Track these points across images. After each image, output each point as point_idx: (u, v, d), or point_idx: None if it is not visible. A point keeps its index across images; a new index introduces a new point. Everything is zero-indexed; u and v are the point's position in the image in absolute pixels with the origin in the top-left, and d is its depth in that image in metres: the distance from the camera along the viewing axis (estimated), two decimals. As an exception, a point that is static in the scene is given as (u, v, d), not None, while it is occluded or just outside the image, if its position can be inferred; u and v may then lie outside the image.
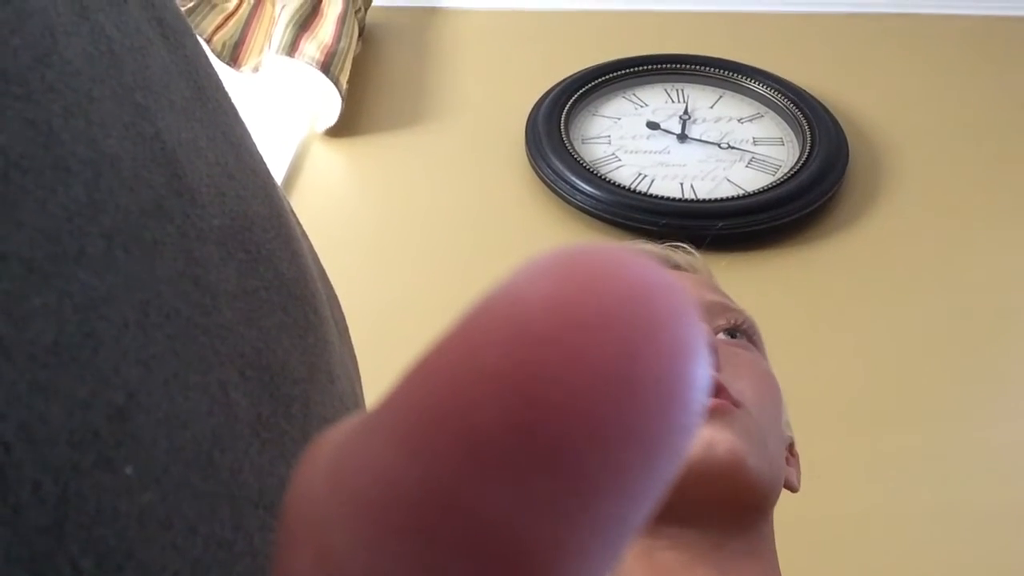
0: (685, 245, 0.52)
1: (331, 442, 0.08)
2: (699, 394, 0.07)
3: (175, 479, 0.12)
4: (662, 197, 0.90)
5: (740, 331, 0.45)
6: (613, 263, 0.07)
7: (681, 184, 0.94)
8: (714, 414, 0.37)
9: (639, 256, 0.07)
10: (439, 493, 0.07)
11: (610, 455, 0.07)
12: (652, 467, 0.07)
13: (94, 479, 0.11)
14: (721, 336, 0.44)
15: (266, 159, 0.21)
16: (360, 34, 1.12)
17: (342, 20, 1.05)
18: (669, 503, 0.37)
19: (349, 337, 0.24)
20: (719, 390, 0.39)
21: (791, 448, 0.46)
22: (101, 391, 0.12)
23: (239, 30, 1.07)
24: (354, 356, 0.24)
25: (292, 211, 0.22)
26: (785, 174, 0.93)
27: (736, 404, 0.39)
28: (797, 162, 0.94)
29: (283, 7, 1.06)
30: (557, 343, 0.07)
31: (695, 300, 0.42)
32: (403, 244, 0.91)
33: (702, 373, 0.07)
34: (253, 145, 0.20)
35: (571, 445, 0.07)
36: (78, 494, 0.11)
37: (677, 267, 0.49)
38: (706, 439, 0.37)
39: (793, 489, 0.44)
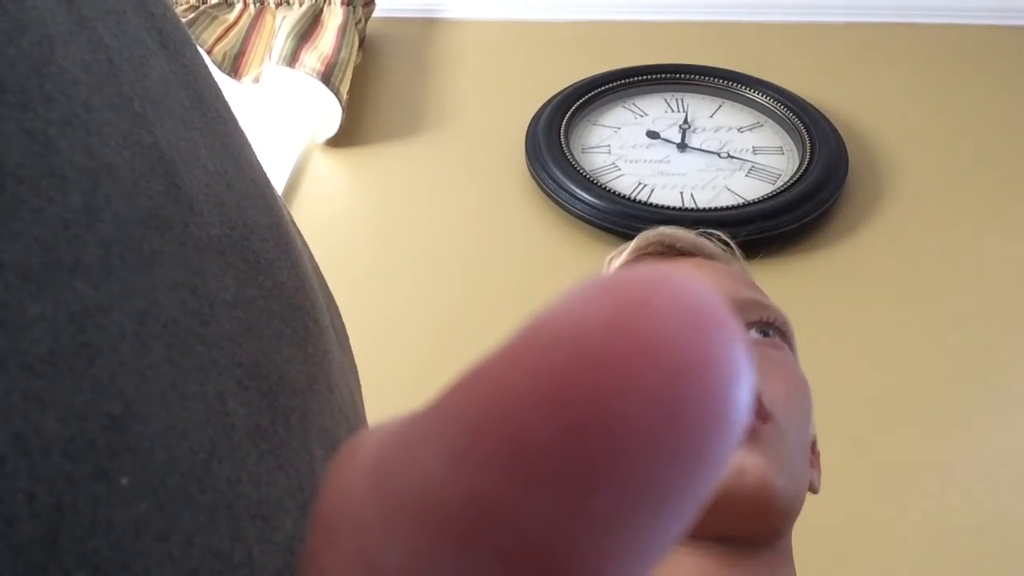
0: (720, 233, 0.51)
1: (374, 441, 0.08)
2: (743, 416, 0.07)
3: (172, 490, 0.12)
4: (662, 206, 0.90)
5: (773, 329, 0.44)
6: (669, 287, 0.07)
7: (681, 193, 0.94)
8: (745, 435, 0.37)
9: (695, 282, 0.08)
10: (482, 502, 0.07)
11: (657, 474, 0.07)
12: (695, 484, 0.07)
13: (89, 490, 0.11)
14: (753, 333, 0.44)
15: (267, 169, 0.21)
16: (360, 45, 1.12)
17: (342, 31, 1.05)
18: (697, 521, 0.37)
19: (350, 347, 0.24)
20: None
21: (813, 447, 0.46)
22: (97, 401, 0.12)
23: (240, 41, 1.08)
24: (354, 366, 0.24)
25: (292, 220, 0.22)
26: (785, 183, 0.93)
27: (765, 417, 0.38)
28: (797, 171, 0.95)
29: (284, 18, 1.07)
30: (614, 364, 0.07)
31: (732, 302, 0.43)
32: (404, 253, 0.91)
33: (747, 397, 0.07)
34: (253, 155, 0.20)
35: (621, 464, 0.07)
36: (73, 505, 0.11)
37: (712, 256, 0.49)
38: (736, 463, 0.37)
39: (814, 491, 0.43)
